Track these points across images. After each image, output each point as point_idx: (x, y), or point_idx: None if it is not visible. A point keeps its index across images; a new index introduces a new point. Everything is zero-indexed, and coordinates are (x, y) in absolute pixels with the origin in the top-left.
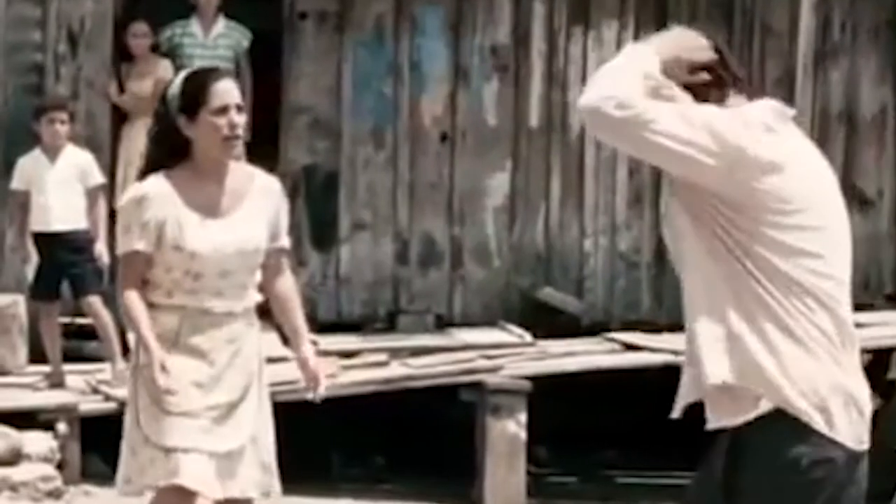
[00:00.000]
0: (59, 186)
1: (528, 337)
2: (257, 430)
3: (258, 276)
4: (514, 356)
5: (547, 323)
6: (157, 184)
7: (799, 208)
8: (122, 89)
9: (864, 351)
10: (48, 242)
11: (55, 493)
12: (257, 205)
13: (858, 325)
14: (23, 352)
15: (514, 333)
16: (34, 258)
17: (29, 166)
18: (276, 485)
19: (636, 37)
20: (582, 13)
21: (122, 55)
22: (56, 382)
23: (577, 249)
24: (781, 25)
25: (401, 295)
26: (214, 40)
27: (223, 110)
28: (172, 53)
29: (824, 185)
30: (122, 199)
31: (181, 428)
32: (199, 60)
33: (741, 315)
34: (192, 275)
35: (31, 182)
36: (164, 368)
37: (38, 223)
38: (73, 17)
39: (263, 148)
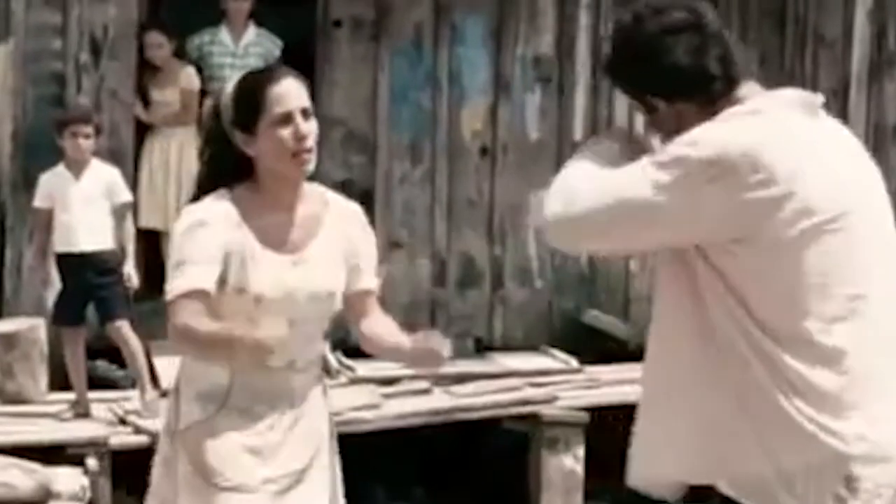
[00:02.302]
0: (85, 204)
1: (573, 362)
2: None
3: (328, 324)
4: (563, 384)
5: (592, 347)
6: (218, 206)
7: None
8: (145, 100)
9: None
10: (73, 264)
11: None
12: (334, 238)
13: None
14: (44, 379)
15: (558, 359)
16: (55, 281)
17: (52, 183)
18: None
19: None
20: None
21: (145, 64)
22: (81, 412)
23: (622, 270)
24: (835, 34)
25: (438, 318)
26: (245, 49)
27: (286, 119)
28: (201, 62)
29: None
30: (176, 227)
31: None
32: (228, 70)
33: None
34: (252, 322)
35: (55, 199)
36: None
37: (62, 243)
38: (96, 23)
39: None
